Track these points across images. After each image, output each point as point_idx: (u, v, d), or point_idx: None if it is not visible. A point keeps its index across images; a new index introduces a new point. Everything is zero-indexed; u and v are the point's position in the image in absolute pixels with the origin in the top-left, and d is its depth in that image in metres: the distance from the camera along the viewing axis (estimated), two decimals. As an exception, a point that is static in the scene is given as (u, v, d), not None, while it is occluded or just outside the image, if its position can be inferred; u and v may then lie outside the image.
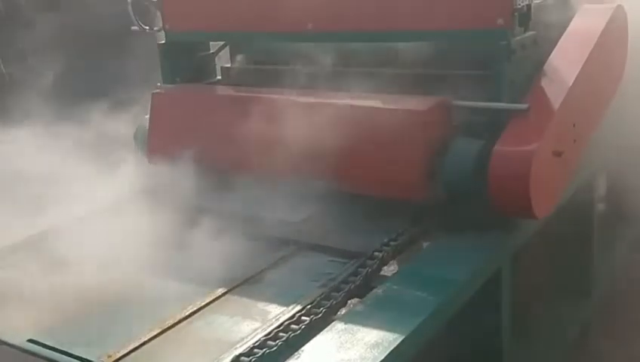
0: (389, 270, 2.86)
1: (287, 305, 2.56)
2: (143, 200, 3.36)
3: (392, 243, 2.89)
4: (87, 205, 3.34)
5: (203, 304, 2.61)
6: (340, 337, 2.32)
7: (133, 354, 2.38)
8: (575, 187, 3.49)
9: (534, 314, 3.70)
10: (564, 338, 3.82)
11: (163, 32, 3.89)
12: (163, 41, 3.91)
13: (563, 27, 3.28)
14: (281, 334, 2.36)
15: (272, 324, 2.44)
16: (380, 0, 3.17)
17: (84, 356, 2.37)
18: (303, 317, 2.44)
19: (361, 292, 2.64)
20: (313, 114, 3.23)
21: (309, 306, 2.50)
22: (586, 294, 4.05)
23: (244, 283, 2.77)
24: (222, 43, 4.10)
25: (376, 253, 2.82)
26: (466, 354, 2.99)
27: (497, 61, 2.97)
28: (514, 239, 3.03)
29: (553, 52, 3.17)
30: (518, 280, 3.11)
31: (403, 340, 2.28)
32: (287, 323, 2.42)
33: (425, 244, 3.01)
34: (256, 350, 2.29)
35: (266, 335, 2.36)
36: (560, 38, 3.24)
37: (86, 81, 5.22)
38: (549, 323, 3.73)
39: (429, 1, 3.05)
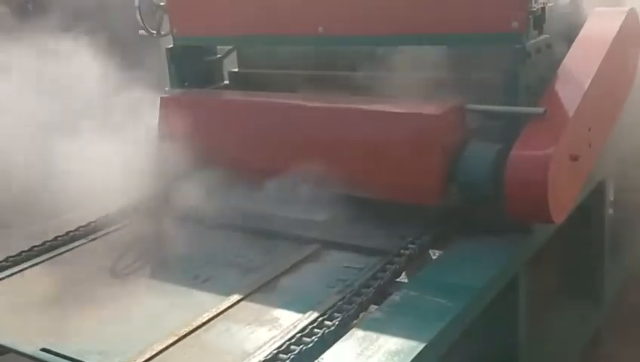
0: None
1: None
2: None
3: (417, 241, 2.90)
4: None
5: (219, 311, 2.57)
6: (360, 345, 2.29)
7: (148, 364, 2.34)
8: (587, 191, 3.47)
9: (547, 318, 3.68)
10: (577, 342, 3.80)
11: (171, 36, 3.86)
12: (171, 46, 3.88)
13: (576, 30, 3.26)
14: (315, 330, 2.37)
15: (289, 331, 2.40)
16: (392, 3, 3.14)
17: (98, 365, 2.33)
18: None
19: (377, 298, 2.61)
20: (325, 118, 3.22)
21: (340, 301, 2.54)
22: (598, 298, 4.02)
23: (262, 288, 2.73)
24: (230, 47, 4.07)
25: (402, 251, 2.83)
26: (482, 359, 2.96)
27: (512, 64, 2.94)
28: (530, 243, 3.01)
29: (567, 55, 3.15)
30: (531, 285, 3.09)
31: (425, 347, 2.25)
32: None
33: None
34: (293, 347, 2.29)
35: (304, 328, 2.37)
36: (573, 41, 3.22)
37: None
38: (562, 327, 3.70)
39: (444, 4, 3.02)
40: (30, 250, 3.17)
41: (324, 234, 3.05)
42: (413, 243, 2.89)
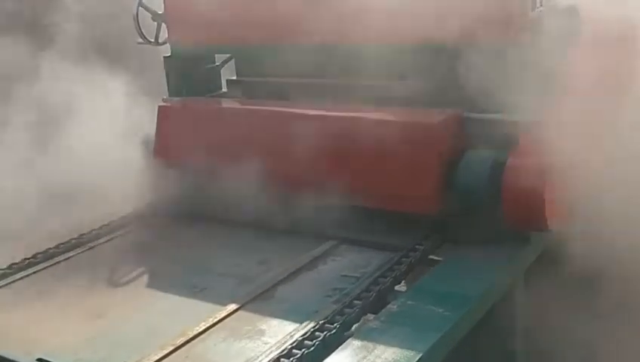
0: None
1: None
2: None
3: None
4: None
5: (216, 320, 2.56)
6: (356, 354, 2.29)
7: (145, 373, 2.34)
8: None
9: (544, 329, 3.66)
10: (574, 353, 3.78)
11: (169, 44, 3.86)
12: (169, 54, 3.88)
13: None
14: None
15: (283, 342, 2.40)
16: (390, 13, 3.14)
17: (95, 375, 2.33)
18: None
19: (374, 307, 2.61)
20: (324, 126, 3.21)
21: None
22: (595, 310, 4.00)
23: (261, 296, 2.73)
24: (227, 56, 4.07)
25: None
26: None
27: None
28: (527, 253, 3.00)
29: (565, 62, 3.15)
30: (528, 296, 3.08)
31: (421, 357, 2.24)
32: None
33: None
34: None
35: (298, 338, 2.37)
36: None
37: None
38: (562, 336, 3.68)
39: (440, 14, 3.02)
40: (32, 257, 3.18)
41: None
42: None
